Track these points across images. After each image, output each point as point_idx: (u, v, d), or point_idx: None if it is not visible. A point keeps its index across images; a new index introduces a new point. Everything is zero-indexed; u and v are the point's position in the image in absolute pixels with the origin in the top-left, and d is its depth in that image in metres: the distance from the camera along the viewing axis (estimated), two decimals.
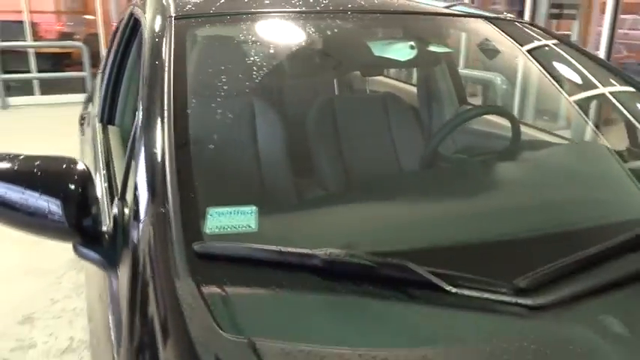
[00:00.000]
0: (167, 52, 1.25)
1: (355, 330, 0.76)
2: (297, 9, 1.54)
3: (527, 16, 4.57)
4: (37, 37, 8.34)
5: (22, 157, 1.08)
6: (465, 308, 0.78)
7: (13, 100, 7.59)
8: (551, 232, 1.00)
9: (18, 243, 3.24)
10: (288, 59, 1.55)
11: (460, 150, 1.83)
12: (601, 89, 1.58)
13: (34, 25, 8.25)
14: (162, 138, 1.03)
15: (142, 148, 1.06)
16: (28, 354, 2.33)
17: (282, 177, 1.30)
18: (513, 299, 0.79)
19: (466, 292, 0.79)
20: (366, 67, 2.13)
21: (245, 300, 0.80)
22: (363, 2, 1.67)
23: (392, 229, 1.00)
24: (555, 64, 1.74)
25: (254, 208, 0.93)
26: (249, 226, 0.90)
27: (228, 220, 0.91)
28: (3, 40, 7.77)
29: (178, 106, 1.10)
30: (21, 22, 7.89)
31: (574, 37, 6.08)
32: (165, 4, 1.51)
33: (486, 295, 0.79)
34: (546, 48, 1.76)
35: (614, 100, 1.52)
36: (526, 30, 1.85)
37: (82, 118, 2.65)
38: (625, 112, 1.47)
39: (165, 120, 1.06)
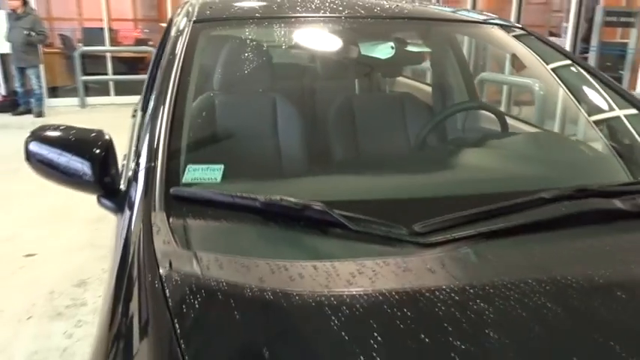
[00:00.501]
0: (180, 48, 1.56)
1: (274, 250, 1.01)
2: (302, 14, 1.81)
3: (571, 24, 4.61)
4: (115, 42, 9.12)
5: (62, 127, 1.41)
6: (365, 242, 1.01)
7: (91, 100, 8.37)
8: (468, 196, 1.20)
9: (83, 222, 3.72)
10: (283, 55, 1.82)
11: (451, 140, 2.02)
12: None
13: (112, 31, 9.03)
14: (161, 115, 1.33)
15: (150, 123, 1.37)
16: (80, 310, 2.73)
17: (255, 143, 1.57)
18: (404, 237, 1.01)
19: (369, 230, 1.02)
20: (385, 67, 2.35)
21: (200, 227, 1.08)
22: (359, 8, 1.91)
23: (338, 187, 1.25)
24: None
25: (221, 166, 1.21)
26: (215, 179, 1.18)
27: (201, 174, 1.19)
28: (85, 46, 8.60)
29: (180, 93, 1.40)
30: (102, 29, 8.67)
31: (631, 46, 5.96)
32: (191, 10, 1.83)
33: (382, 233, 1.02)
34: (532, 49, 1.93)
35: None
36: (520, 33, 2.01)
37: (135, 110, 3.04)
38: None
39: (167, 102, 1.36)
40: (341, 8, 1.85)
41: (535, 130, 2.09)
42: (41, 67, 7.73)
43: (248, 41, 1.73)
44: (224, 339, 0.82)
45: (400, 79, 3.24)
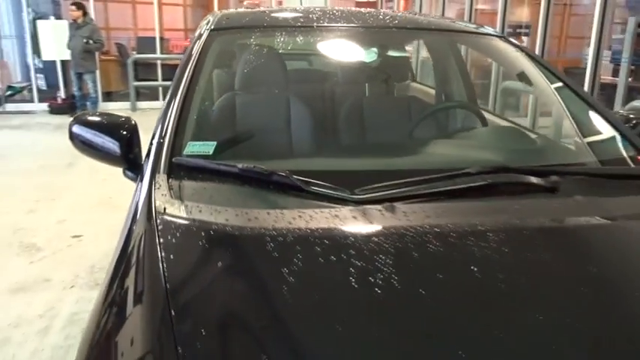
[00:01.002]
0: (196, 51, 1.90)
1: (243, 203, 1.32)
2: (304, 24, 2.12)
3: (593, 34, 4.73)
4: (166, 51, 9.74)
5: (98, 113, 1.78)
6: (317, 199, 1.31)
7: (142, 104, 9.00)
8: (421, 170, 1.45)
9: (124, 210, 4.14)
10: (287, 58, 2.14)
11: (437, 134, 2.28)
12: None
13: (164, 41, 9.65)
14: (173, 103, 1.68)
15: (164, 110, 1.72)
16: None
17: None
18: (345, 197, 1.30)
19: (319, 191, 1.32)
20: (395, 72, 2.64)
21: (191, 186, 1.40)
22: (356, 19, 2.20)
23: (318, 162, 1.58)
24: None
25: (214, 143, 1.54)
26: (208, 152, 1.51)
27: (198, 148, 1.52)
28: (139, 54, 9.26)
29: (191, 87, 1.74)
30: (154, 38, 9.31)
31: None
32: (212, 20, 2.18)
33: (329, 194, 1.31)
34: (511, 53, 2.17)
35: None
36: (500, 41, 2.25)
37: None
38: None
39: (179, 94, 1.71)
40: (342, 19, 2.15)
41: (507, 124, 2.34)
42: (97, 72, 8.40)
43: (255, 45, 2.07)
44: (195, 257, 1.14)
45: (414, 84, 3.51)
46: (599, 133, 1.83)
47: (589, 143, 1.79)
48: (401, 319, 0.95)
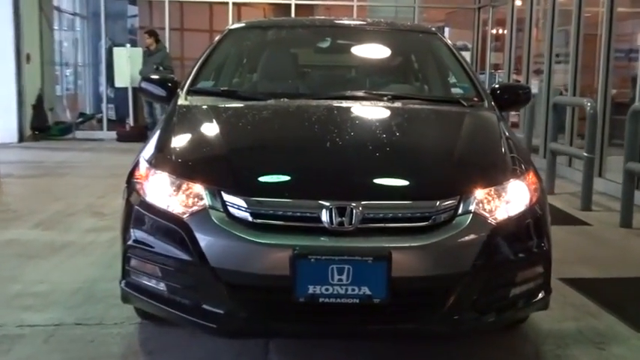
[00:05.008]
0: (216, 41, 3.43)
1: (219, 102, 2.77)
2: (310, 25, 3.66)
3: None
4: None
5: (156, 74, 3.37)
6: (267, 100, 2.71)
7: None
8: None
9: None
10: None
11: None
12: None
13: None
14: (197, 62, 3.18)
15: (192, 67, 3.22)
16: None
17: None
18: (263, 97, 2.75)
19: (266, 97, 2.74)
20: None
21: (197, 99, 2.87)
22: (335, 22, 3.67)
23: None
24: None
25: (212, 82, 3.07)
26: (209, 87, 3.02)
27: (203, 84, 3.05)
28: None
29: (209, 59, 3.25)
30: None
31: None
32: (236, 22, 3.77)
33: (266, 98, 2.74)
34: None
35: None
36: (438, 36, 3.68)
37: None
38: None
39: (200, 63, 3.22)
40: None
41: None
42: None
43: (259, 38, 3.66)
44: (189, 117, 2.60)
45: None
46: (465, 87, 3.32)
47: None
48: (297, 126, 2.48)
